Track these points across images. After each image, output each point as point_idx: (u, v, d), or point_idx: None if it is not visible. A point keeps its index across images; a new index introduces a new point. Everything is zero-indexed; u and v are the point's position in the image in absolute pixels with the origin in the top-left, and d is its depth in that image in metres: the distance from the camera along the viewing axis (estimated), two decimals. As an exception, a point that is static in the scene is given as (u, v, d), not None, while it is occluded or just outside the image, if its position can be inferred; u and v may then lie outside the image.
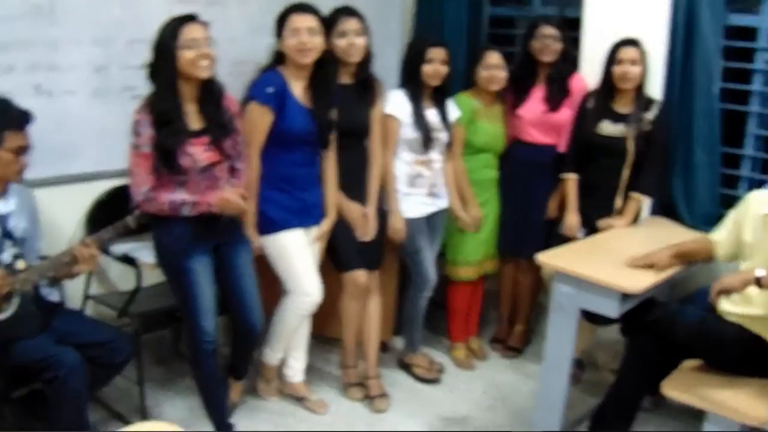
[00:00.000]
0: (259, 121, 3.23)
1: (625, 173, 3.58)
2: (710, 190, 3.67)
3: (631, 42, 3.54)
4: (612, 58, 3.56)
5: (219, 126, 3.05)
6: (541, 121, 3.86)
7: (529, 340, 4.28)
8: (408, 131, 3.63)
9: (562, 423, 3.21)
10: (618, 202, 3.62)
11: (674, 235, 3.40)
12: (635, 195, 3.59)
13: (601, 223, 3.61)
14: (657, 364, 2.93)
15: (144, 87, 3.01)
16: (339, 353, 3.87)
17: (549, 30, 3.78)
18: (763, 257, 2.74)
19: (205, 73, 2.94)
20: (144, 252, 3.37)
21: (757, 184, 3.43)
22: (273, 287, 3.45)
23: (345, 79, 3.53)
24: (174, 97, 2.94)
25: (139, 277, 3.37)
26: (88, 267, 2.86)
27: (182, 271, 3.07)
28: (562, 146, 3.81)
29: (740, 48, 3.64)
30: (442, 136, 3.70)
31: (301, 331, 3.58)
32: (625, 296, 2.91)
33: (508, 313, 4.30)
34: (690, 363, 2.92)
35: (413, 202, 3.71)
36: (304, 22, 3.22)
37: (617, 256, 3.13)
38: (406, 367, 3.99)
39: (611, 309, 2.95)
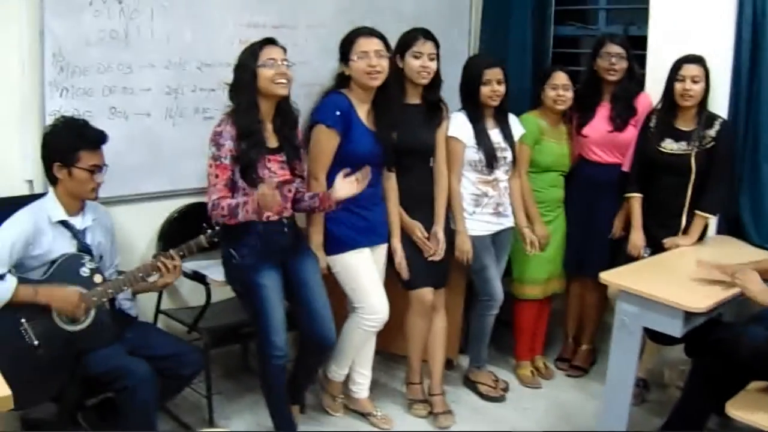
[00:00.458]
0: (325, 143, 3.30)
1: (689, 191, 3.54)
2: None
3: (694, 59, 3.50)
4: (674, 76, 3.53)
5: (292, 146, 3.18)
6: (606, 141, 3.85)
7: (595, 360, 4.25)
8: (471, 152, 3.66)
9: (626, 443, 3.18)
10: (683, 220, 3.58)
11: (740, 253, 3.35)
12: (700, 213, 3.54)
13: (667, 242, 3.56)
14: (722, 384, 2.88)
15: (215, 108, 3.13)
16: (404, 370, 3.89)
17: (614, 48, 3.77)
18: None
19: (282, 90, 3.08)
20: (213, 269, 3.46)
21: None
22: (340, 305, 3.50)
23: (412, 99, 3.57)
24: (254, 112, 3.07)
25: (208, 293, 3.47)
26: (173, 278, 3.01)
27: (252, 287, 3.15)
28: (626, 165, 3.78)
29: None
30: (506, 155, 3.72)
31: (367, 347, 3.62)
32: (689, 315, 2.86)
33: (574, 332, 4.28)
34: (756, 384, 2.86)
35: (479, 222, 3.72)
36: (372, 45, 3.29)
37: (682, 275, 3.10)
38: (471, 384, 4.00)
39: (675, 328, 2.90)
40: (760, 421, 2.67)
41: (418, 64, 3.47)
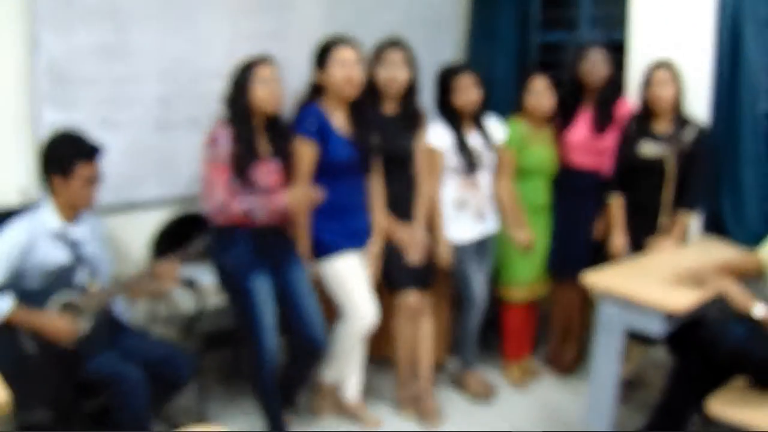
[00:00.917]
0: (305, 155, 3.38)
1: (668, 192, 3.62)
2: (759, 209, 3.67)
3: (661, 64, 3.60)
4: (646, 81, 3.63)
5: (285, 154, 3.30)
6: (588, 145, 3.92)
7: (582, 360, 4.31)
8: (451, 158, 3.73)
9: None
10: (663, 221, 3.65)
11: (722, 253, 3.41)
12: (680, 212, 3.62)
13: (650, 242, 3.64)
14: (704, 382, 2.94)
15: (207, 118, 3.20)
16: (393, 371, 3.94)
17: (597, 54, 3.85)
18: None
19: (273, 108, 3.22)
20: (205, 275, 3.51)
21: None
22: (329, 310, 3.55)
23: (388, 109, 3.64)
24: (248, 122, 3.20)
25: (200, 298, 3.53)
26: (173, 284, 3.09)
27: (243, 291, 3.22)
28: (607, 169, 3.85)
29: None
30: (486, 159, 3.78)
31: (357, 351, 3.67)
32: (670, 315, 2.92)
33: (561, 333, 4.34)
34: (738, 381, 2.91)
35: (461, 226, 3.79)
36: (350, 54, 3.37)
37: (663, 276, 3.14)
38: (459, 386, 4.06)
39: (656, 328, 2.97)
40: (737, 418, 2.72)
41: (384, 74, 3.55)
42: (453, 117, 3.75)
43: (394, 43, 3.61)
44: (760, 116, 3.61)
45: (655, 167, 3.62)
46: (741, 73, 3.62)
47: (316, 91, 3.47)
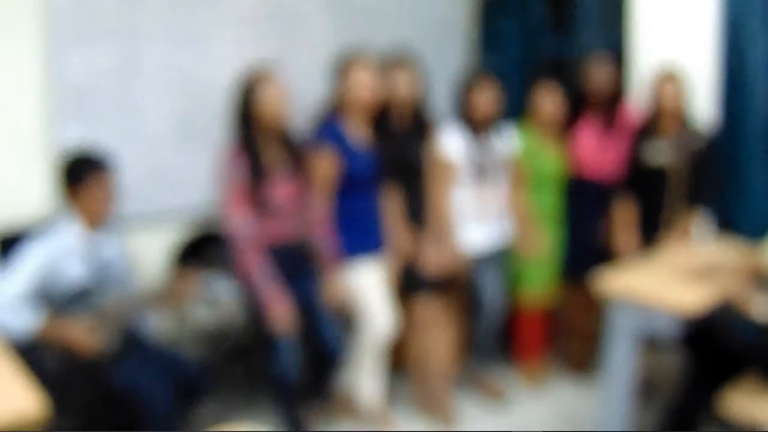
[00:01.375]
0: (325, 168, 3.43)
1: (676, 195, 3.66)
2: (766, 205, 3.71)
3: (669, 76, 3.64)
4: (654, 93, 3.67)
5: (297, 168, 3.35)
6: (594, 151, 3.96)
7: (595, 361, 4.33)
8: (465, 167, 3.76)
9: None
10: (671, 223, 3.70)
11: (731, 251, 3.43)
12: (687, 213, 3.67)
13: (658, 238, 3.69)
14: (715, 382, 2.96)
15: (219, 131, 3.26)
16: (410, 376, 3.98)
17: (601, 61, 3.90)
18: None
19: (279, 124, 3.27)
20: (222, 287, 3.56)
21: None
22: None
23: (399, 122, 3.68)
24: (255, 135, 3.25)
25: (220, 311, 3.59)
26: (192, 294, 3.13)
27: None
28: (615, 174, 3.89)
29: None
30: (499, 166, 3.83)
31: (375, 358, 3.70)
32: (682, 315, 2.94)
33: (575, 335, 4.38)
34: (749, 377, 2.93)
35: (474, 234, 3.82)
36: (369, 69, 3.43)
37: (673, 276, 3.18)
38: (475, 388, 4.09)
39: (668, 328, 3.00)
40: (748, 414, 2.77)
41: (390, 90, 3.60)
42: (471, 124, 3.77)
43: (400, 61, 3.66)
44: (764, 114, 3.65)
45: (663, 171, 3.66)
46: (744, 72, 3.66)
47: (335, 104, 3.52)
